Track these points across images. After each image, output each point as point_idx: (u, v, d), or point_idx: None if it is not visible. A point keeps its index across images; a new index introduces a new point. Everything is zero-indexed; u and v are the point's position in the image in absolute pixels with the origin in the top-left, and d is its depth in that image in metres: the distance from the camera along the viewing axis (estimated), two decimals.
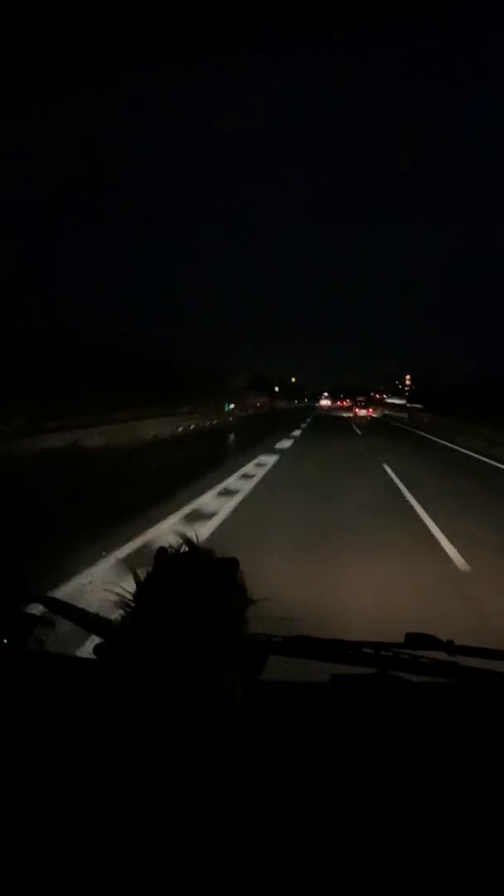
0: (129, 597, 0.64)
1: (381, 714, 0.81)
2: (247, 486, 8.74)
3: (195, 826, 0.49)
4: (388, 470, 10.99)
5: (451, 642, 0.90)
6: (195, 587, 0.63)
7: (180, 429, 20.74)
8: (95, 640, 0.86)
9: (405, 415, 46.24)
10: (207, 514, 6.70)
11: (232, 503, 7.37)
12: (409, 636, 0.91)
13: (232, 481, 9.17)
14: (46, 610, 0.98)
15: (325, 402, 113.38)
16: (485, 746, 0.74)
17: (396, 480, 9.67)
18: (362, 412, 56.61)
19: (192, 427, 22.19)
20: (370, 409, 60.94)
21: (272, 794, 0.55)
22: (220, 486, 8.55)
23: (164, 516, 6.38)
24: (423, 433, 26.31)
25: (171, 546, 0.68)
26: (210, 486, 8.41)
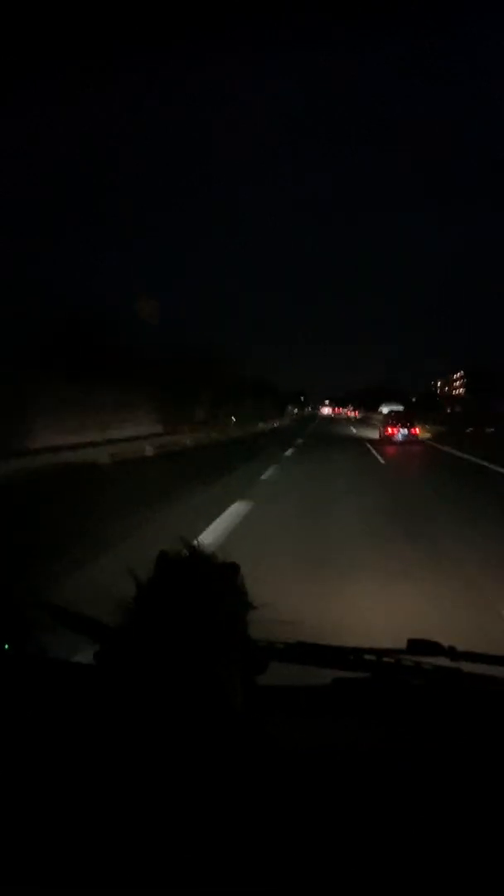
0: (130, 601, 0.63)
1: (382, 717, 0.81)
2: None
3: (197, 829, 0.49)
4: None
5: (452, 648, 0.90)
6: (196, 592, 0.63)
7: None
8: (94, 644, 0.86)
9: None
10: None
11: None
12: (411, 642, 0.91)
13: None
14: (47, 615, 0.98)
15: (325, 410, 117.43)
16: (485, 751, 0.74)
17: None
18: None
19: None
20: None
21: (273, 797, 0.55)
22: None
23: None
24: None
25: (171, 550, 0.67)
26: None
